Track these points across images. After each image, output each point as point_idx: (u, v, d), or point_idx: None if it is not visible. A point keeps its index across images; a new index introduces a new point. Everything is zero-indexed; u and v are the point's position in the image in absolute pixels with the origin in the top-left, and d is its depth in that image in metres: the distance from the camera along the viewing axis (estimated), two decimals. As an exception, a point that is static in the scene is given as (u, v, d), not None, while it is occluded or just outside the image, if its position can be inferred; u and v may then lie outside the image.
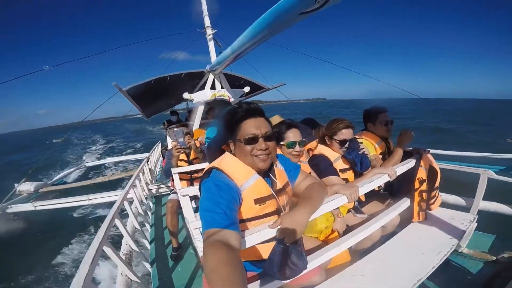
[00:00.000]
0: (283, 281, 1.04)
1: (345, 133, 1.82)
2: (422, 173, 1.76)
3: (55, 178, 7.87)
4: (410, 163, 1.79)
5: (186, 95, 3.54)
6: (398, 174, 1.67)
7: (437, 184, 1.86)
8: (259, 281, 1.09)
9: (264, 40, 2.35)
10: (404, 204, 1.70)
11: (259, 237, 1.00)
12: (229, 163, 1.09)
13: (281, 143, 1.59)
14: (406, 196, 1.78)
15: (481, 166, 2.89)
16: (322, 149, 1.90)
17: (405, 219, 1.78)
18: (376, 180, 1.55)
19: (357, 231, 1.40)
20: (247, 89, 4.00)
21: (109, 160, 11.52)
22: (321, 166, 1.77)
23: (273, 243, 1.07)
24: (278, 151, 1.51)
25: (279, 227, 0.97)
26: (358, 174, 1.83)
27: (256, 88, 5.50)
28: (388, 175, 1.63)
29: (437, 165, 1.85)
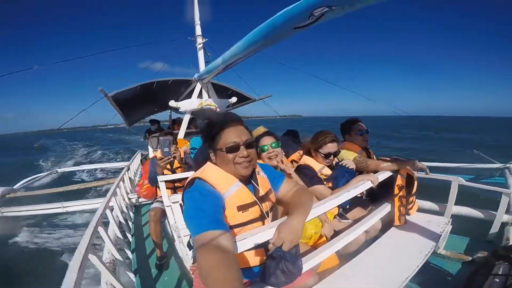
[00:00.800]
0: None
1: (330, 147, 1.92)
2: (400, 180, 1.89)
3: (21, 182, 7.26)
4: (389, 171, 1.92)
5: (172, 103, 3.52)
6: (379, 180, 1.79)
7: (414, 190, 2.00)
8: None
9: (256, 51, 2.43)
10: (385, 209, 1.82)
11: (250, 242, 1.03)
12: (211, 172, 1.10)
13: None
14: (387, 201, 1.90)
15: (452, 175, 3.11)
16: (307, 160, 2.00)
17: (386, 223, 1.89)
18: (361, 186, 1.66)
19: (343, 235, 1.48)
20: (234, 99, 4.05)
21: (84, 167, 10.91)
22: (307, 176, 1.88)
23: (259, 250, 1.12)
24: (260, 161, 1.60)
25: (276, 235, 0.99)
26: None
27: (243, 99, 5.56)
28: (371, 181, 1.74)
29: (413, 173, 1.98)
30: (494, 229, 2.31)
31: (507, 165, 3.93)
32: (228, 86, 4.92)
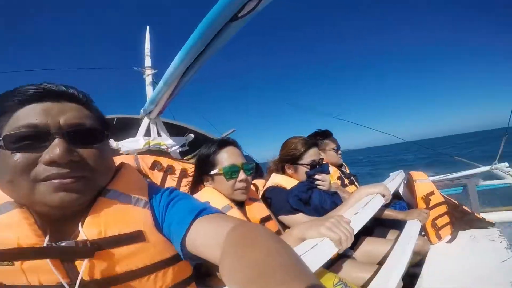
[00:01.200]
0: None
1: (313, 153, 1.41)
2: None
3: None
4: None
5: (111, 144, 2.84)
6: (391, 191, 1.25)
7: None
8: None
9: (203, 61, 1.98)
10: (414, 224, 1.26)
11: None
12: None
13: (212, 172, 1.10)
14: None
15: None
16: (277, 179, 1.42)
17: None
18: (372, 202, 1.09)
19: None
20: (190, 136, 3.47)
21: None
22: (281, 201, 1.28)
23: None
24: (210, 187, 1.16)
25: None
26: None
27: (203, 139, 5.03)
28: (382, 195, 1.19)
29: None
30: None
31: (493, 166, 3.71)
32: (183, 124, 4.38)
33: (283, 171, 1.47)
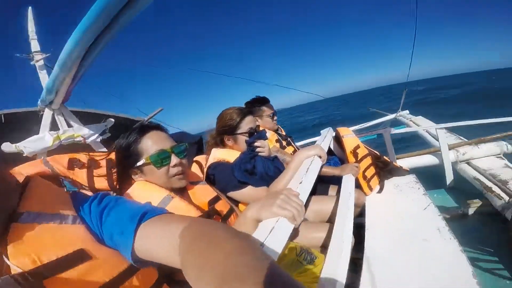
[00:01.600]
0: None
1: (249, 121, 1.39)
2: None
3: None
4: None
5: (6, 147, 2.24)
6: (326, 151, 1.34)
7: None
8: None
9: (107, 38, 1.64)
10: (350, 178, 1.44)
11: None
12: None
13: (138, 164, 0.97)
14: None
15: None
16: (218, 154, 1.38)
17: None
18: (314, 164, 1.14)
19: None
20: (110, 121, 3.01)
21: None
22: (226, 177, 1.25)
23: None
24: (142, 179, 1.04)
25: None
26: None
27: (129, 123, 4.48)
28: (319, 156, 1.25)
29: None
30: (448, 172, 2.32)
31: (398, 114, 4.44)
32: (101, 112, 3.80)
33: (223, 144, 1.43)
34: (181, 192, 1.00)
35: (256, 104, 2.02)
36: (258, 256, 0.37)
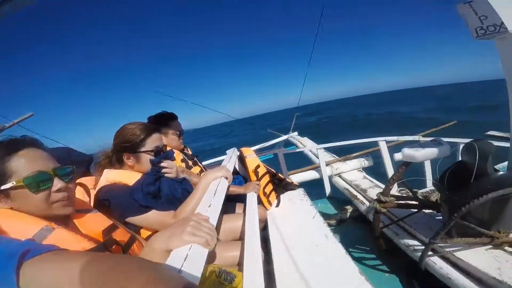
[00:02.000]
0: None
1: (156, 138, 1.28)
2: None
3: None
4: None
5: None
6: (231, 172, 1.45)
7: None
8: None
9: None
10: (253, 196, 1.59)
11: None
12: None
13: (3, 188, 0.76)
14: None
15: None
16: (112, 175, 1.20)
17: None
18: (219, 188, 1.21)
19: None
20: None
21: None
22: (124, 201, 1.10)
23: None
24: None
25: None
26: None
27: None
28: (225, 177, 1.34)
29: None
30: (327, 184, 2.83)
31: (289, 135, 5.22)
32: None
33: (120, 164, 1.25)
34: (65, 221, 0.83)
35: (163, 120, 1.86)
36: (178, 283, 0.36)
